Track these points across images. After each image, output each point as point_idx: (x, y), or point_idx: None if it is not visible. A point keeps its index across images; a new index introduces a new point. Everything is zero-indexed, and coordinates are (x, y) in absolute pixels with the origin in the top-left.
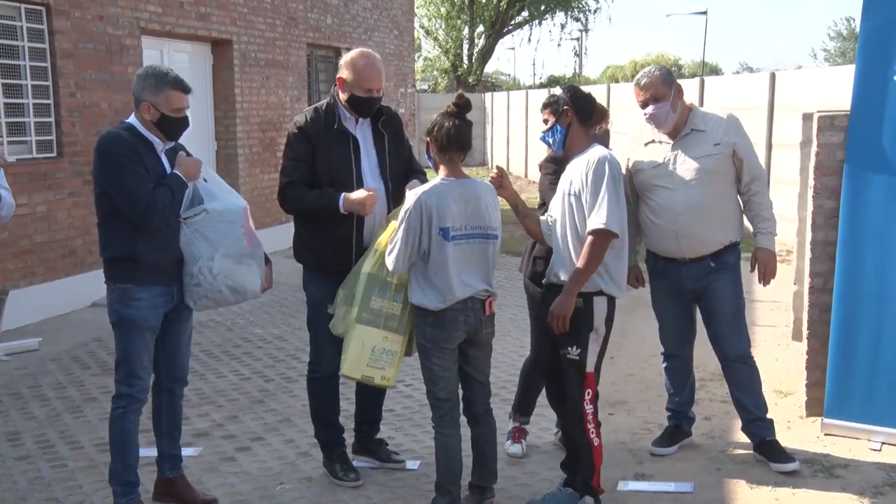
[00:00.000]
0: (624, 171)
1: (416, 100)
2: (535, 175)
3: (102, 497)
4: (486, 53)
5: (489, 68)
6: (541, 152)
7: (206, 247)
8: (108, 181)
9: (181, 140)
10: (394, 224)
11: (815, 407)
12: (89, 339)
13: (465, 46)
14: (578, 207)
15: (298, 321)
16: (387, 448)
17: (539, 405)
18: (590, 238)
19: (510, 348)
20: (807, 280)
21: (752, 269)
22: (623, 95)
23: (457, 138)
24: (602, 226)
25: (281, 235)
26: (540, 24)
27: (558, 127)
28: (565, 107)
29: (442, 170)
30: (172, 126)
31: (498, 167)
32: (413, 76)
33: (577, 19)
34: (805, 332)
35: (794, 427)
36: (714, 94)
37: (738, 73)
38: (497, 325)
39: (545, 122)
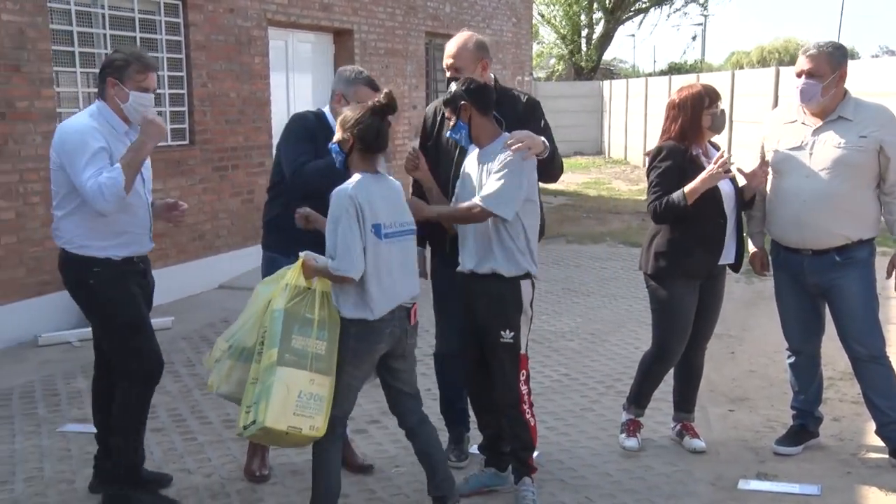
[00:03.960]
0: (759, 148)
1: (533, 88)
2: None
3: (229, 471)
4: (605, 40)
5: (608, 55)
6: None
7: None
8: (280, 148)
9: None
10: (299, 261)
11: None
12: (217, 319)
13: (584, 32)
14: None
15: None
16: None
17: (655, 398)
18: (477, 209)
19: (626, 340)
20: None
21: (888, 277)
22: (748, 83)
23: (384, 140)
24: (483, 205)
25: None
26: (660, 8)
27: (460, 123)
28: (462, 102)
29: (359, 166)
30: None
31: (414, 148)
32: (530, 64)
33: (699, 3)
34: None
35: None
36: (849, 79)
37: (876, 56)
38: (613, 317)
39: (448, 119)
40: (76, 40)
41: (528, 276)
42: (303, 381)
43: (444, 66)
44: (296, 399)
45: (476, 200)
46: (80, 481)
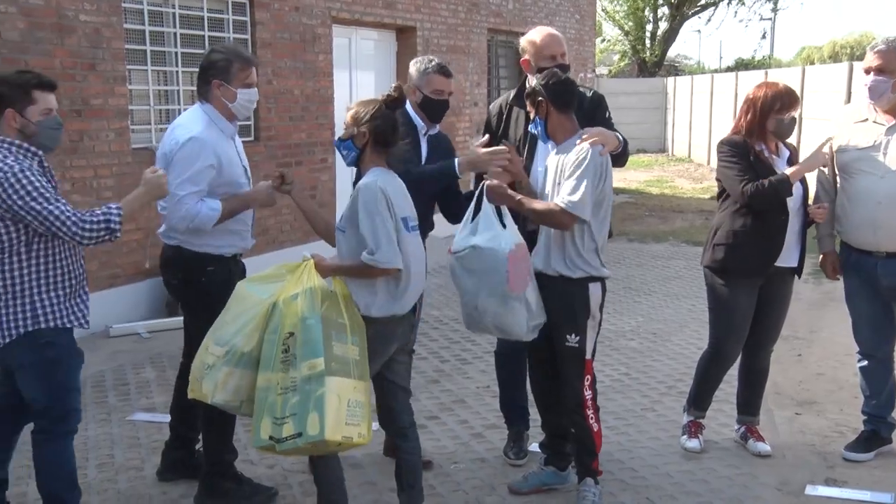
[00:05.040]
0: (826, 149)
1: (596, 85)
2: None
3: (291, 462)
4: (669, 36)
5: (672, 51)
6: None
7: (471, 282)
8: None
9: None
10: (308, 262)
11: None
12: None
13: (648, 28)
14: None
15: None
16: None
17: (717, 399)
18: (558, 210)
19: (688, 340)
20: None
21: None
22: (819, 79)
23: (399, 134)
24: (568, 206)
25: None
26: (729, 3)
27: (538, 118)
28: (539, 98)
29: (370, 161)
30: (432, 107)
31: (508, 144)
32: (594, 61)
33: None
34: None
35: None
36: None
37: None
38: (675, 317)
39: (529, 112)
40: (148, 39)
41: (597, 279)
42: (349, 389)
43: (550, 54)
44: (346, 408)
45: (558, 203)
46: (149, 469)
